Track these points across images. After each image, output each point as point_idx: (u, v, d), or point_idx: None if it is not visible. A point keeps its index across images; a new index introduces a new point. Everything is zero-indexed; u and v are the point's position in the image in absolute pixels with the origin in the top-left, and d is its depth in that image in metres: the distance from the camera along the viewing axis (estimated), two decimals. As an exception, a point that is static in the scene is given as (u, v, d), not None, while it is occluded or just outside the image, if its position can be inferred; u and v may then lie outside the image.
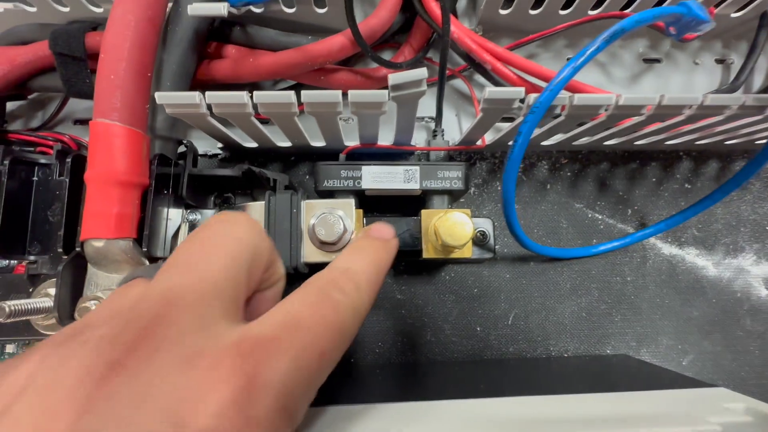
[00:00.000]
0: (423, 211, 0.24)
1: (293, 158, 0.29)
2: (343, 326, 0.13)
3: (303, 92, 0.19)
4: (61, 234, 0.21)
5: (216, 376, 0.10)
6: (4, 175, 0.21)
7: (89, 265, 0.21)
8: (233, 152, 0.29)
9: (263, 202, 0.23)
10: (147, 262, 0.21)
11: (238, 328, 0.12)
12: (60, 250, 0.20)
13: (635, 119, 0.22)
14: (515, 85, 0.27)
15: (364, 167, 0.24)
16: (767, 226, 0.30)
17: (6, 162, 0.21)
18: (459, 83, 0.30)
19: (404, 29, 0.28)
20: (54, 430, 0.09)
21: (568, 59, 0.28)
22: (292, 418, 0.11)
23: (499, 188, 0.29)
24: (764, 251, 0.30)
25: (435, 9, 0.25)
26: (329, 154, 0.28)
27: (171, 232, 0.23)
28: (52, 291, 0.21)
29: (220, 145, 0.28)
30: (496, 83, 0.28)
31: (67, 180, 0.21)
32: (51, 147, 0.24)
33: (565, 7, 0.28)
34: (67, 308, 0.20)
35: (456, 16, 0.29)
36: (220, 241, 0.13)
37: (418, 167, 0.24)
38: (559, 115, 0.22)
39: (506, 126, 0.25)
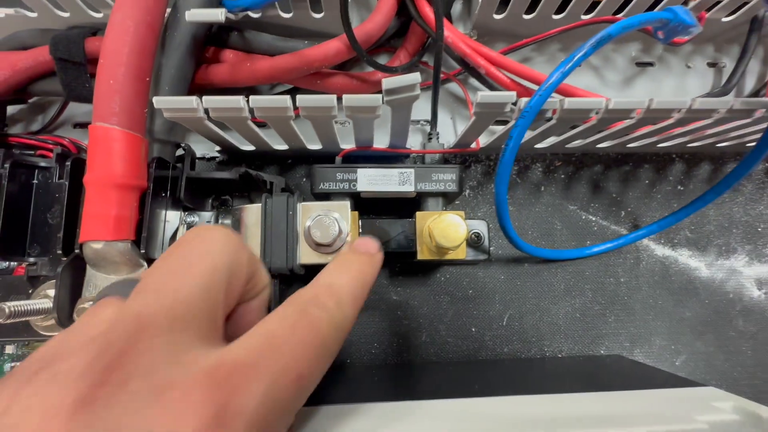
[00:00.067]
0: (418, 213, 0.24)
1: (290, 161, 0.29)
2: (323, 346, 0.13)
3: (298, 97, 0.19)
4: (60, 236, 0.21)
5: (187, 407, 0.10)
6: (4, 178, 0.22)
7: (88, 267, 0.21)
8: (231, 155, 0.29)
9: (260, 204, 0.23)
10: (145, 264, 0.21)
11: (213, 352, 0.11)
12: (59, 251, 0.21)
13: (626, 122, 0.23)
14: (509, 89, 0.27)
15: (359, 170, 0.24)
16: (759, 228, 0.30)
17: (6, 165, 0.22)
18: (454, 87, 0.31)
19: (400, 34, 0.29)
20: None
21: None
22: None
23: (493, 190, 0.30)
24: (756, 252, 0.30)
25: (429, 14, 0.25)
26: (326, 157, 0.28)
27: (169, 234, 0.23)
28: (52, 292, 0.22)
29: (217, 148, 0.28)
30: (491, 87, 0.28)
31: (67, 183, 0.21)
32: (51, 150, 0.25)
33: (558, 12, 0.28)
34: (66, 309, 0.20)
35: (451, 20, 0.29)
36: (194, 260, 0.13)
37: (412, 170, 0.25)
38: (550, 119, 0.22)
39: (500, 129, 0.25)
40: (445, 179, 0.25)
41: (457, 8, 0.31)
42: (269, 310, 0.24)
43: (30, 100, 0.30)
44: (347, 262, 0.16)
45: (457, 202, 0.30)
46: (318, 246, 0.22)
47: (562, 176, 0.30)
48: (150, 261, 0.21)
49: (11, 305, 0.19)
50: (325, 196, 0.25)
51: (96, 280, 0.21)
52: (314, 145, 0.27)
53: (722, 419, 0.16)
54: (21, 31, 0.27)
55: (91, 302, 0.20)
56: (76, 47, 0.24)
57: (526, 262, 0.29)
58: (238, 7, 0.24)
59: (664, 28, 0.21)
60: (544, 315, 0.29)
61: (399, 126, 0.24)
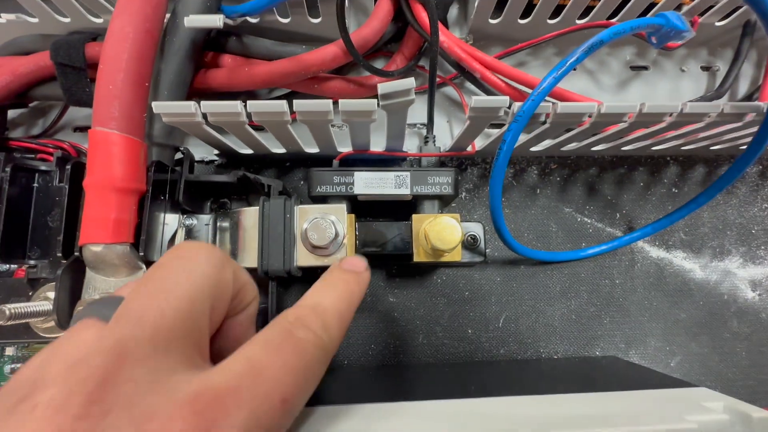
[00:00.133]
0: (414, 216, 0.25)
1: (288, 164, 0.30)
2: (308, 368, 0.13)
3: (295, 101, 0.20)
4: (60, 239, 0.21)
5: None
6: (5, 181, 0.22)
7: (87, 269, 0.21)
8: (229, 159, 0.29)
9: (258, 207, 0.23)
10: (144, 267, 0.21)
11: (197, 377, 0.11)
12: (59, 254, 0.21)
13: (619, 126, 0.23)
14: (504, 93, 0.28)
15: (356, 173, 0.25)
16: (753, 230, 0.31)
17: (7, 169, 0.22)
18: (450, 90, 0.31)
19: (396, 38, 0.29)
20: None
21: (556, 67, 0.29)
22: None
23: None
24: (750, 254, 0.30)
25: (425, 19, 0.26)
26: (323, 160, 0.28)
27: (168, 236, 0.24)
28: (52, 294, 0.22)
29: (216, 151, 0.29)
30: (486, 91, 0.29)
31: (67, 186, 0.22)
32: (51, 154, 0.25)
33: (553, 17, 0.29)
34: (66, 311, 0.21)
35: (447, 25, 0.30)
36: (177, 281, 0.13)
37: (408, 173, 0.25)
38: (544, 123, 0.22)
39: (495, 132, 0.26)
40: (441, 182, 0.25)
41: (453, 13, 0.31)
42: (266, 315, 0.24)
43: (30, 105, 0.30)
44: (334, 281, 0.16)
45: (453, 205, 0.30)
46: (315, 248, 0.23)
47: (558, 179, 0.31)
48: (149, 263, 0.22)
49: (12, 307, 0.19)
50: (322, 199, 0.25)
51: (95, 282, 0.21)
52: (311, 149, 0.27)
53: (712, 419, 0.16)
54: (22, 36, 0.27)
55: (90, 304, 0.20)
56: (76, 52, 0.25)
57: (521, 264, 0.29)
58: (237, 13, 0.24)
59: (656, 33, 0.22)
60: (539, 316, 0.29)
61: (395, 129, 0.24)
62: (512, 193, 0.30)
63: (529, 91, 0.28)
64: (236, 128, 0.22)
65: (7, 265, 0.24)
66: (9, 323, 0.19)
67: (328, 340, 0.14)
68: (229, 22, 0.24)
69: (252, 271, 0.23)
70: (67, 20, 0.27)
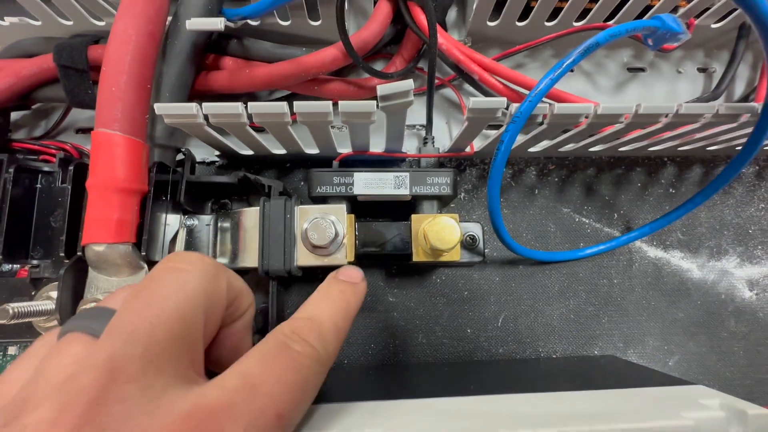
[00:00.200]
0: (413, 216, 0.25)
1: (288, 165, 0.30)
2: (305, 382, 0.13)
3: (295, 103, 0.20)
4: (63, 239, 0.21)
5: None
6: (9, 182, 0.22)
7: (90, 269, 0.21)
8: (230, 160, 0.30)
9: (258, 207, 0.24)
10: (146, 267, 0.22)
11: (191, 393, 0.11)
12: (62, 254, 0.21)
13: (616, 127, 0.23)
14: (502, 95, 0.28)
15: (356, 174, 0.25)
16: (750, 230, 0.31)
17: (11, 170, 0.22)
18: (449, 92, 0.31)
19: (395, 41, 0.29)
20: None
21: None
22: None
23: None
24: (747, 254, 0.30)
25: (424, 21, 0.26)
26: (323, 161, 0.29)
27: (169, 236, 0.24)
28: (54, 294, 0.22)
29: (216, 152, 0.29)
30: (484, 92, 0.29)
31: (70, 187, 0.22)
32: (54, 155, 0.25)
33: (550, 19, 0.29)
34: (69, 310, 0.21)
35: (445, 28, 0.30)
36: (167, 295, 0.12)
37: (408, 173, 0.25)
38: (542, 124, 0.22)
39: (493, 133, 0.26)
40: (440, 182, 0.25)
41: (451, 15, 0.31)
42: (266, 315, 0.24)
43: (33, 107, 0.30)
44: (330, 293, 0.16)
45: (452, 205, 0.30)
46: (315, 248, 0.23)
47: (556, 179, 0.31)
48: (151, 263, 0.22)
49: (15, 306, 0.19)
50: (323, 200, 0.25)
51: (98, 281, 0.21)
52: (311, 150, 0.28)
53: (709, 416, 0.16)
54: (25, 39, 0.27)
55: (92, 303, 0.21)
56: (79, 55, 0.25)
57: (520, 264, 0.30)
58: (238, 16, 0.24)
59: (652, 35, 0.22)
60: (538, 316, 0.29)
61: (394, 131, 0.24)
62: (511, 193, 0.30)
63: (527, 92, 0.28)
64: (237, 129, 0.22)
65: (10, 265, 0.24)
66: (12, 322, 0.19)
67: (324, 353, 0.14)
68: (230, 24, 0.24)
69: (252, 270, 0.24)
70: (70, 23, 0.27)
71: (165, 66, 0.24)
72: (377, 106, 0.20)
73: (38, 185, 0.24)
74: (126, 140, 0.20)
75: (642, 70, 0.32)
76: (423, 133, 0.30)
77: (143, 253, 0.21)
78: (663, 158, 0.31)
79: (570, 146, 0.28)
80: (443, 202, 0.27)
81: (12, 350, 0.26)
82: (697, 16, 0.29)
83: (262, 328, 0.24)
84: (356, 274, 0.17)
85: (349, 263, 0.24)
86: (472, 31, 0.30)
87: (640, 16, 0.28)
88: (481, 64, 0.27)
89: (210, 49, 0.27)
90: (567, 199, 0.31)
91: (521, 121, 0.20)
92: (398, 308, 0.29)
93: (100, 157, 0.20)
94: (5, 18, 0.27)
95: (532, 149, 0.29)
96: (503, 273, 0.29)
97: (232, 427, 0.11)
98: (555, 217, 0.30)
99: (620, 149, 0.29)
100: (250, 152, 0.28)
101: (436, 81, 0.29)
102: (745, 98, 0.31)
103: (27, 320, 0.20)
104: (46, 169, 0.24)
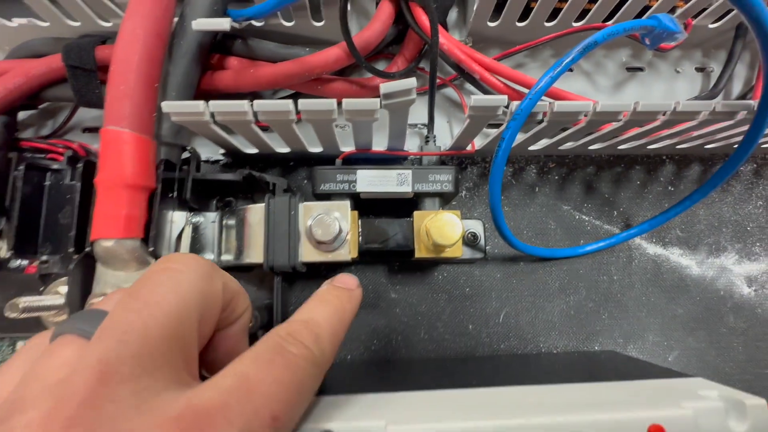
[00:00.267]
0: (415, 213, 0.25)
1: (292, 163, 0.30)
2: (300, 384, 0.13)
3: (300, 101, 0.20)
4: (72, 235, 0.22)
5: None
6: (19, 180, 0.22)
7: (98, 264, 0.22)
8: (234, 158, 0.30)
9: (263, 204, 0.24)
10: (153, 261, 0.22)
11: (183, 395, 0.11)
12: (71, 250, 0.22)
13: (614, 125, 0.24)
14: (503, 93, 0.28)
15: (359, 171, 0.25)
16: (748, 227, 0.31)
17: (21, 168, 0.23)
18: (450, 91, 0.32)
19: (397, 41, 0.30)
20: None
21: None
22: None
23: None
24: (746, 250, 0.31)
25: (426, 21, 0.27)
26: (326, 159, 0.29)
27: (175, 233, 0.24)
28: (63, 289, 0.22)
29: (222, 151, 0.29)
30: (485, 91, 0.29)
31: (79, 184, 0.22)
32: (61, 154, 0.26)
33: (550, 19, 0.29)
34: (78, 305, 0.21)
35: (446, 28, 0.30)
36: (161, 296, 0.12)
37: (410, 171, 0.25)
38: (542, 121, 0.23)
39: (494, 132, 0.26)
40: (442, 180, 0.26)
41: (452, 16, 0.32)
42: (271, 311, 0.24)
43: (40, 106, 0.31)
44: (326, 298, 0.16)
45: (453, 203, 0.30)
46: (319, 244, 0.23)
47: (556, 177, 0.31)
48: (158, 258, 0.22)
49: (25, 300, 0.20)
50: (326, 197, 0.26)
51: (106, 276, 0.22)
52: (315, 148, 0.28)
53: (707, 406, 0.17)
54: (34, 39, 0.28)
55: (100, 298, 0.21)
56: (87, 55, 0.25)
57: (521, 260, 0.30)
58: (243, 17, 0.25)
59: (649, 34, 0.22)
60: (539, 312, 0.29)
61: (397, 129, 0.25)
62: (511, 191, 0.31)
63: (527, 92, 0.28)
64: (243, 127, 0.23)
65: (19, 261, 0.25)
66: (22, 316, 0.20)
67: (320, 355, 0.14)
68: (236, 25, 0.25)
69: (257, 266, 0.24)
70: (77, 24, 0.28)
71: (171, 65, 0.25)
72: (380, 104, 0.20)
73: (47, 183, 0.24)
74: (134, 137, 0.21)
75: (640, 69, 0.33)
76: (425, 131, 0.30)
77: (151, 249, 0.22)
78: (662, 156, 0.32)
79: (570, 144, 0.29)
80: (445, 200, 0.27)
81: (21, 345, 0.26)
82: (695, 17, 0.29)
83: (266, 323, 0.25)
84: (352, 281, 0.18)
85: (353, 259, 0.24)
86: (472, 31, 0.30)
87: (639, 16, 0.29)
88: (482, 64, 0.28)
89: (215, 49, 0.27)
90: (567, 196, 0.31)
91: (522, 118, 0.20)
92: (400, 304, 0.29)
93: (109, 154, 0.21)
94: (14, 19, 0.28)
95: (532, 147, 0.29)
96: (504, 270, 0.30)
97: (226, 428, 0.11)
98: (555, 215, 0.31)
99: (619, 147, 0.29)
100: (254, 151, 0.28)
101: (438, 80, 0.29)
102: (742, 97, 0.32)
103: (36, 314, 0.21)
104: (55, 167, 0.24)
